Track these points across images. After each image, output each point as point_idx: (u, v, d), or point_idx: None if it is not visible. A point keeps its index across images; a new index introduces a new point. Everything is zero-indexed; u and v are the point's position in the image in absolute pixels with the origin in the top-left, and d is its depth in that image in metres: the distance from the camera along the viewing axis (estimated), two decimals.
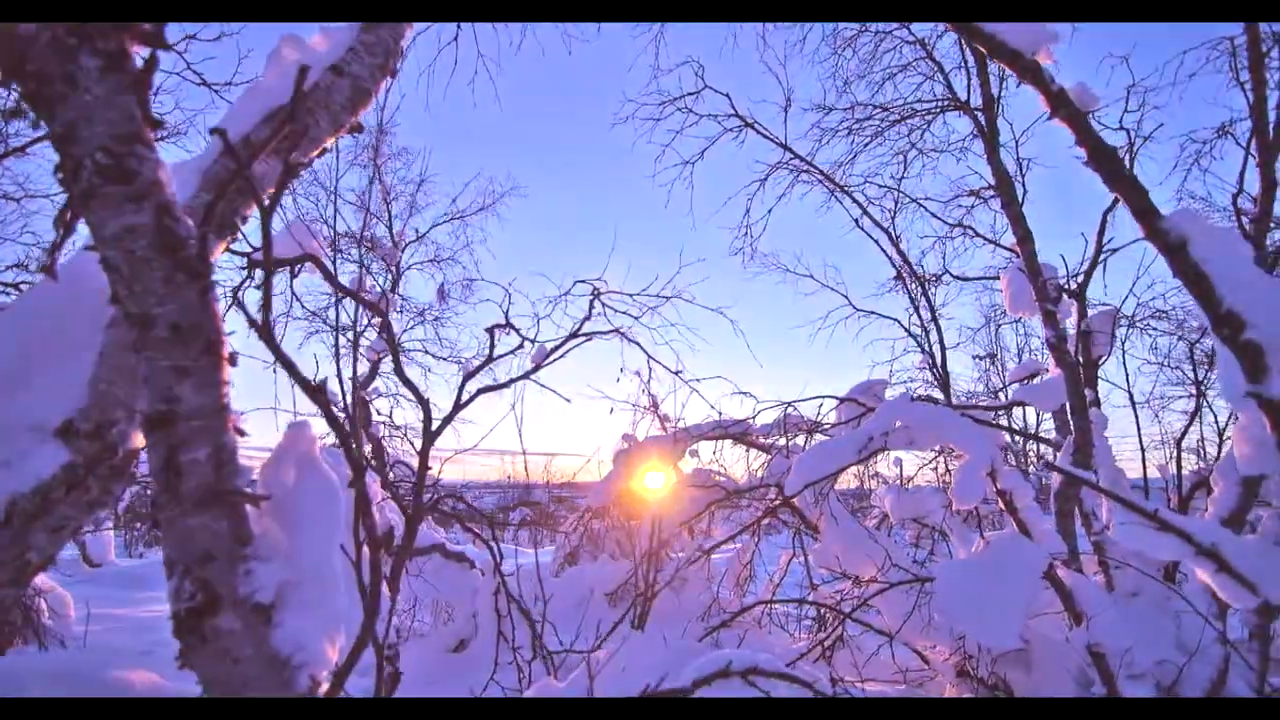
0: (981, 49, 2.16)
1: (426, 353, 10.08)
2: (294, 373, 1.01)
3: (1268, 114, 3.56)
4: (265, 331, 1.00)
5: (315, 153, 1.59)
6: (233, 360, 1.00)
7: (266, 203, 0.97)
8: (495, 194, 11.14)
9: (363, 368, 7.18)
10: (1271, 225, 3.89)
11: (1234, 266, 1.80)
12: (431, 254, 10.58)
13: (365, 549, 1.40)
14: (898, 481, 6.75)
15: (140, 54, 0.98)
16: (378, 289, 7.84)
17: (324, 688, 1.12)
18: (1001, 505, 3.55)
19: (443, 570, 4.12)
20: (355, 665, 1.18)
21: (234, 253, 2.92)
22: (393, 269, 9.24)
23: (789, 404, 5.06)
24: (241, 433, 1.11)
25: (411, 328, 10.11)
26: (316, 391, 1.01)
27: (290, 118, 0.92)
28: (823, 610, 4.53)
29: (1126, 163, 4.28)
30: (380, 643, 1.44)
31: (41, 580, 4.23)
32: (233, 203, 1.30)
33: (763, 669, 1.76)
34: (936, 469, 7.64)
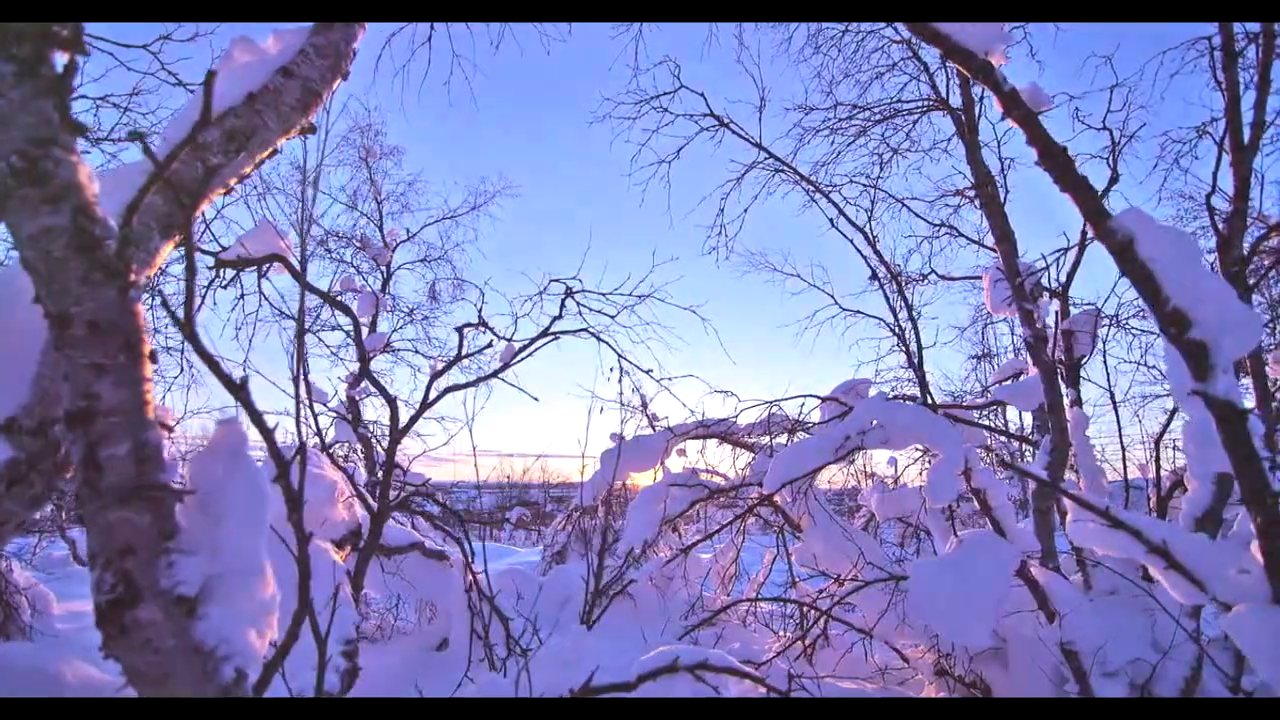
0: (938, 49, 2.18)
1: (417, 352, 10.09)
2: (216, 369, 1.03)
3: (1241, 114, 3.57)
4: (187, 328, 1.02)
5: (265, 154, 1.61)
6: (153, 357, 1.02)
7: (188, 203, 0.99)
8: (487, 193, 11.14)
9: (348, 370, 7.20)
10: (1248, 223, 3.90)
11: (1180, 265, 1.82)
12: (421, 253, 10.60)
13: (318, 546, 1.42)
14: (893, 481, 6.77)
15: (61, 58, 1.00)
16: (368, 289, 7.87)
17: (253, 679, 1.14)
18: (977, 504, 3.57)
19: (423, 569, 4.14)
20: (286, 656, 1.20)
21: (203, 252, 2.95)
22: (383, 268, 9.25)
23: (773, 403, 5.07)
24: (168, 428, 1.13)
25: (401, 327, 10.12)
26: (238, 389, 1.03)
27: (201, 121, 0.94)
28: (804, 608, 4.55)
29: (1110, 161, 4.31)
30: (323, 638, 1.46)
31: (21, 577, 4.27)
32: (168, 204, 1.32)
33: (712, 664, 1.77)
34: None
